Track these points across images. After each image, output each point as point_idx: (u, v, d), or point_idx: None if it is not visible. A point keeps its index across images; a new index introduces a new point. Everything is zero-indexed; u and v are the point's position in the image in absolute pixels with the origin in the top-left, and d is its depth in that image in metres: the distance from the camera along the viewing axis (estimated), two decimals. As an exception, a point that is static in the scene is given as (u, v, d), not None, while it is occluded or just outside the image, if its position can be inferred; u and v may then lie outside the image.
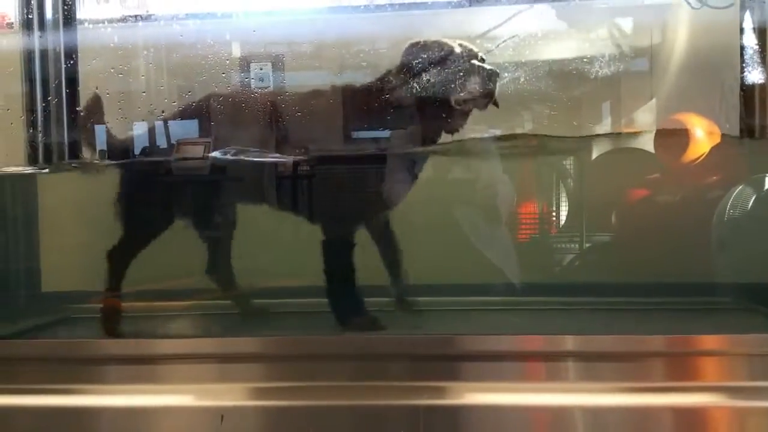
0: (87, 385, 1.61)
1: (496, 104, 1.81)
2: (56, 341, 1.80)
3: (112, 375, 1.63)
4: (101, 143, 2.02)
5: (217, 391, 1.57)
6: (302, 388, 1.55)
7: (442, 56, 1.80)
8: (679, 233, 2.04)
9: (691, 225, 2.06)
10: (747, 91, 1.92)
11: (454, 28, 1.95)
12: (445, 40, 1.82)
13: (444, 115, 1.82)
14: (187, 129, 1.96)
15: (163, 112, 1.97)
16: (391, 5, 2.17)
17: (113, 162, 2.03)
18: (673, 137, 2.05)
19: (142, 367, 1.62)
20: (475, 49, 1.81)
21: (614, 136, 2.17)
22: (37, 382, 1.61)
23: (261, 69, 2.10)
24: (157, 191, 2.01)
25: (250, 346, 1.65)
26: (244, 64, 2.08)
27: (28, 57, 2.03)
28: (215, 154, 1.87)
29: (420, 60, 1.81)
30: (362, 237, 1.91)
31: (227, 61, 2.00)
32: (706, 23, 1.99)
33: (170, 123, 1.96)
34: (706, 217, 2.03)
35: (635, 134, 2.16)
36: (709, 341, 1.54)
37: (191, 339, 1.74)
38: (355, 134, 1.92)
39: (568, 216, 2.28)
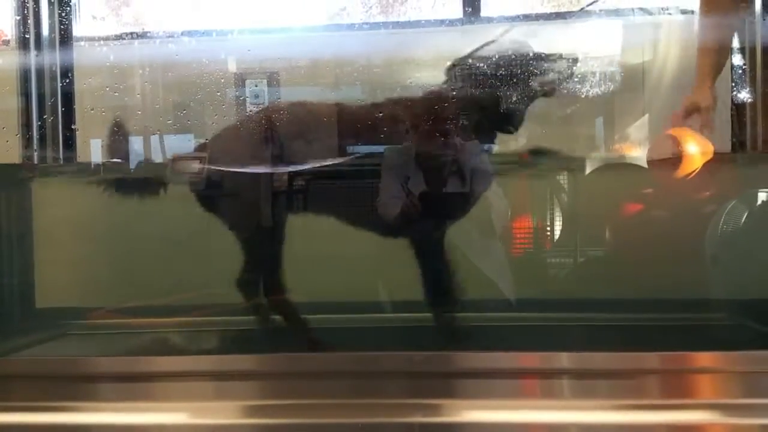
0: (82, 402, 1.59)
1: None
2: (51, 359, 1.79)
3: (107, 393, 1.62)
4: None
5: (213, 409, 1.56)
6: (297, 405, 1.55)
7: None
8: (672, 249, 2.05)
9: (683, 241, 2.07)
10: (738, 108, 1.94)
11: (447, 47, 1.96)
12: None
13: None
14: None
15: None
16: (385, 24, 2.20)
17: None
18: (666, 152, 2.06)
19: (137, 385, 1.61)
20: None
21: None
22: (31, 400, 1.60)
23: (256, 86, 2.11)
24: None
25: (246, 364, 1.64)
26: (239, 80, 2.10)
27: (24, 75, 2.04)
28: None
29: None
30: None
31: (222, 79, 2.02)
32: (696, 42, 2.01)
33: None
34: (698, 232, 2.03)
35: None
36: (704, 358, 1.54)
37: (186, 357, 1.73)
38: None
39: (561, 231, 2.28)
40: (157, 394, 1.61)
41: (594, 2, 2.17)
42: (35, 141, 2.04)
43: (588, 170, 2.13)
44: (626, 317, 2.01)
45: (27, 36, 2.04)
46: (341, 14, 2.30)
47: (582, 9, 2.20)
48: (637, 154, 2.11)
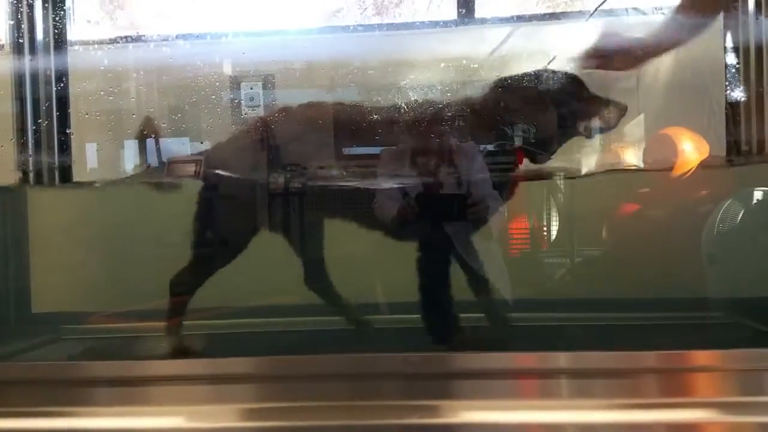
0: (78, 407, 1.59)
1: None
2: (46, 363, 1.78)
3: (103, 397, 1.61)
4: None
5: (209, 413, 1.56)
6: (295, 408, 1.54)
7: None
8: (669, 248, 2.05)
9: (680, 240, 2.07)
10: (733, 108, 1.94)
11: (442, 48, 1.97)
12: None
13: None
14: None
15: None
16: (380, 26, 2.20)
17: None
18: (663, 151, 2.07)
19: (133, 389, 1.60)
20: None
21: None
22: (27, 405, 1.59)
23: (251, 88, 2.11)
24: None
25: (243, 367, 1.64)
26: (234, 83, 2.10)
27: (19, 79, 2.04)
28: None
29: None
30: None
31: (217, 82, 2.02)
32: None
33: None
34: (695, 231, 2.04)
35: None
36: (702, 357, 1.54)
37: (182, 360, 1.73)
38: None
39: (557, 232, 2.28)
40: (153, 398, 1.60)
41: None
42: (30, 145, 2.03)
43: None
44: (625, 317, 2.01)
45: (21, 40, 2.04)
46: (336, 16, 2.30)
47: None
48: (633, 156, 2.11)
